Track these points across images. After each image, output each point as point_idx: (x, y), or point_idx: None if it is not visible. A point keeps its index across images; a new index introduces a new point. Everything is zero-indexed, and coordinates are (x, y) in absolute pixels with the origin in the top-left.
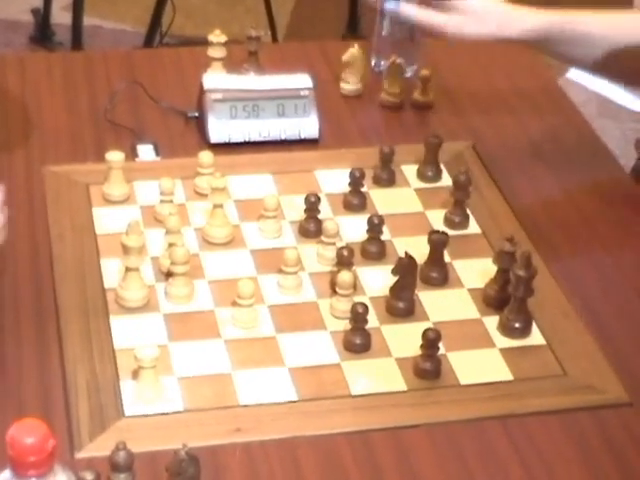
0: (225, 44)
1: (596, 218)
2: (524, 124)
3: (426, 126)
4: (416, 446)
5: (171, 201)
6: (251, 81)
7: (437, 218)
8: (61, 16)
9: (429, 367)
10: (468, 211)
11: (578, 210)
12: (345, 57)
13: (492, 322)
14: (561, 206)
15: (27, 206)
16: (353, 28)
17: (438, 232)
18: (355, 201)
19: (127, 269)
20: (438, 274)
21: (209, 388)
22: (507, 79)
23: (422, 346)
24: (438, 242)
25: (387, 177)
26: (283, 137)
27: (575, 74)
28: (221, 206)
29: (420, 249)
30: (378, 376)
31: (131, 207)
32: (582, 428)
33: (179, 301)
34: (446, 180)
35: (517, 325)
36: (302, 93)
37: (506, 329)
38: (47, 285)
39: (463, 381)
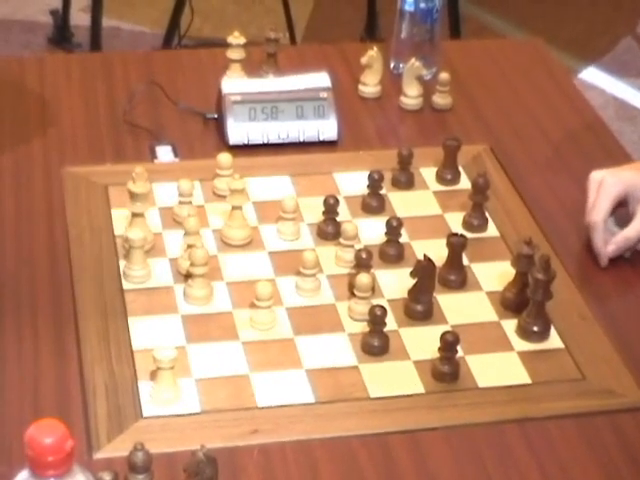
0: (244, 46)
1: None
2: (542, 127)
3: (445, 129)
4: (434, 449)
5: (190, 202)
6: (270, 83)
7: (456, 221)
8: (80, 17)
9: (447, 370)
10: (487, 214)
11: None
12: (364, 59)
13: (510, 325)
14: (580, 209)
15: (45, 207)
16: (371, 30)
17: (457, 235)
18: (374, 203)
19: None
20: (456, 277)
21: (227, 390)
22: (526, 82)
23: (440, 349)
24: (457, 245)
25: (406, 180)
26: (302, 139)
27: (589, 75)
28: (240, 208)
29: (439, 252)
30: (396, 379)
31: (150, 208)
32: (600, 432)
33: (197, 302)
34: (465, 183)
35: (535, 328)
36: (321, 95)
37: (524, 332)
38: (65, 286)
39: (481, 384)
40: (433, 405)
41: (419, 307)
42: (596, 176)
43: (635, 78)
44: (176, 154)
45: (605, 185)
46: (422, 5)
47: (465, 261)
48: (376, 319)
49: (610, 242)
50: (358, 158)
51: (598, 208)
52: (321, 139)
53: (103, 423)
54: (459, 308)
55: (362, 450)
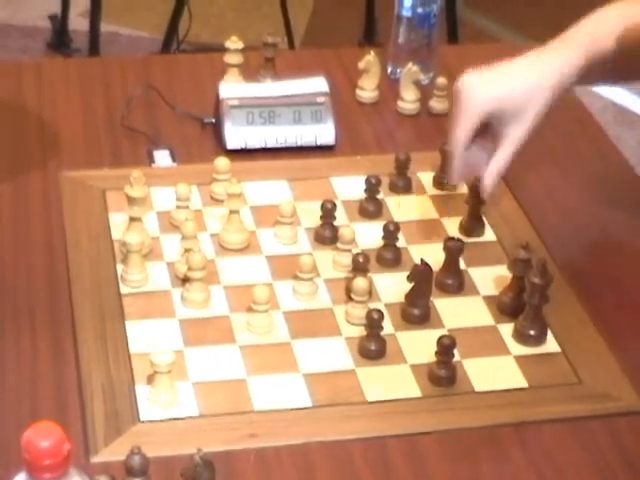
0: (242, 50)
1: (611, 225)
2: (540, 131)
3: (442, 133)
4: (430, 452)
5: (187, 207)
6: (268, 87)
7: (452, 225)
8: (78, 22)
9: (444, 374)
10: (483, 218)
11: (593, 217)
12: (361, 64)
13: (507, 329)
14: (576, 213)
15: (43, 211)
16: (370, 35)
17: (454, 239)
18: (371, 208)
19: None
20: (453, 281)
21: (224, 393)
22: None
23: (437, 353)
24: (454, 249)
25: (403, 184)
26: (299, 143)
27: None
28: (237, 212)
29: (435, 256)
30: (393, 383)
31: (147, 213)
32: (596, 436)
33: (195, 306)
34: (461, 187)
35: (532, 332)
36: (318, 100)
37: (521, 336)
38: (63, 290)
39: (478, 388)
40: (430, 409)
41: (416, 311)
42: (466, 86)
43: None
44: (174, 158)
45: (472, 103)
46: (419, 10)
47: (462, 265)
48: (373, 323)
49: (485, 175)
50: (355, 163)
51: (459, 133)
52: (318, 144)
53: (100, 427)
54: (456, 312)
55: (359, 454)
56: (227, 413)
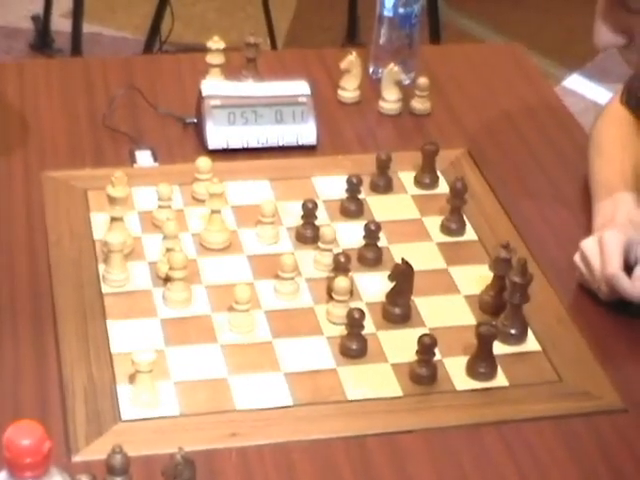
0: (223, 51)
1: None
2: (521, 131)
3: (423, 133)
4: (412, 451)
5: (169, 207)
6: (249, 88)
7: (434, 225)
8: (61, 23)
9: (425, 373)
10: (465, 218)
11: (574, 217)
12: (343, 64)
13: None
14: (557, 213)
15: (25, 211)
16: (352, 36)
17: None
18: (352, 207)
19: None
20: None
21: (205, 393)
22: (504, 86)
23: (418, 352)
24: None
25: (384, 184)
26: (281, 143)
27: (572, 82)
28: (219, 212)
29: (416, 255)
30: (374, 381)
31: (129, 213)
32: (577, 434)
33: (176, 306)
34: (443, 187)
35: (513, 331)
36: (300, 100)
37: (502, 335)
38: (45, 289)
39: (459, 387)
40: (411, 408)
41: (397, 310)
42: (589, 241)
43: (615, 83)
44: (155, 158)
45: (607, 238)
46: (401, 10)
47: (443, 264)
48: (354, 322)
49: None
50: (337, 162)
51: (610, 260)
52: (300, 143)
53: (82, 426)
54: (437, 311)
55: (340, 453)
56: (208, 412)
